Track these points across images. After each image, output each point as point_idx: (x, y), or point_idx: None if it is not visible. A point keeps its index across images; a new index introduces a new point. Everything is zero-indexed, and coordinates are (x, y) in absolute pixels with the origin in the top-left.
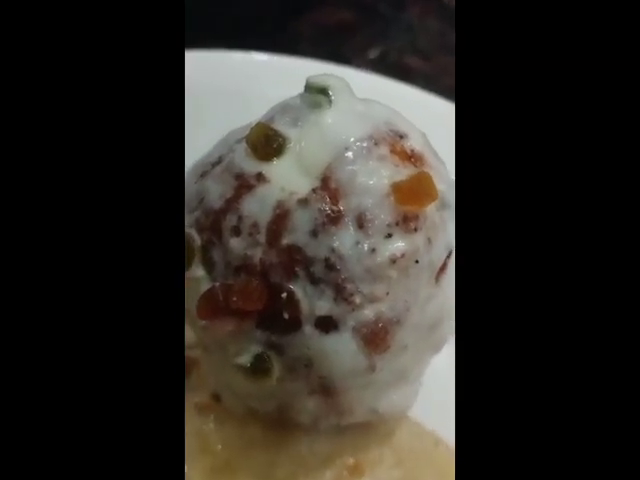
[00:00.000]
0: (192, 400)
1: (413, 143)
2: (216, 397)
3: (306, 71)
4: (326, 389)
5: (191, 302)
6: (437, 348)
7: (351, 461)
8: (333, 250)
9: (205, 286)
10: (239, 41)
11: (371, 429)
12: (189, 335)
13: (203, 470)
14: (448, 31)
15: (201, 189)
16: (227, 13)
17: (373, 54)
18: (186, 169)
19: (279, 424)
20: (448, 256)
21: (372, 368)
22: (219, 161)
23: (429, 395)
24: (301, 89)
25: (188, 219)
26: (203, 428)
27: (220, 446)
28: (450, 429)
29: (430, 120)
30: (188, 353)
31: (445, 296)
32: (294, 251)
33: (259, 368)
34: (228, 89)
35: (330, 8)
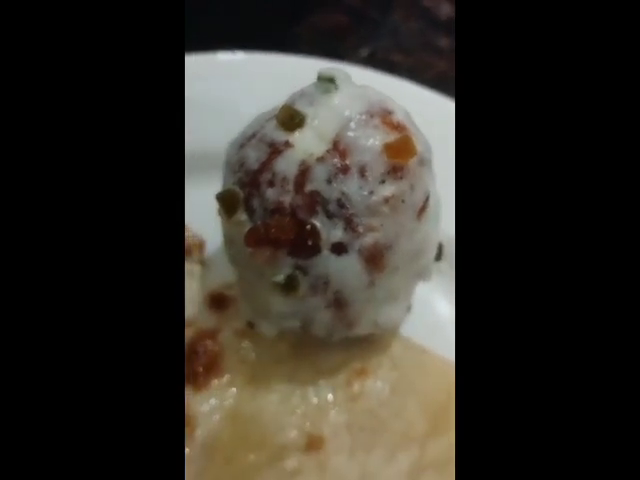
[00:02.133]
0: (232, 327)
1: (398, 117)
2: (251, 324)
3: (307, 67)
4: (338, 302)
5: (235, 244)
6: (420, 275)
7: (358, 366)
8: (343, 193)
9: (247, 227)
10: (245, 45)
11: (372, 342)
12: (228, 276)
13: (244, 379)
14: (427, 31)
15: (241, 156)
16: (234, 19)
17: (364, 52)
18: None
19: (302, 342)
20: (426, 200)
21: (372, 283)
22: (254, 135)
23: (415, 318)
24: (305, 83)
25: (232, 179)
26: (241, 347)
27: (254, 361)
28: (433, 343)
29: (412, 104)
30: (228, 292)
31: (425, 232)
32: (314, 195)
33: (290, 285)
34: (239, 86)
35: (326, 13)
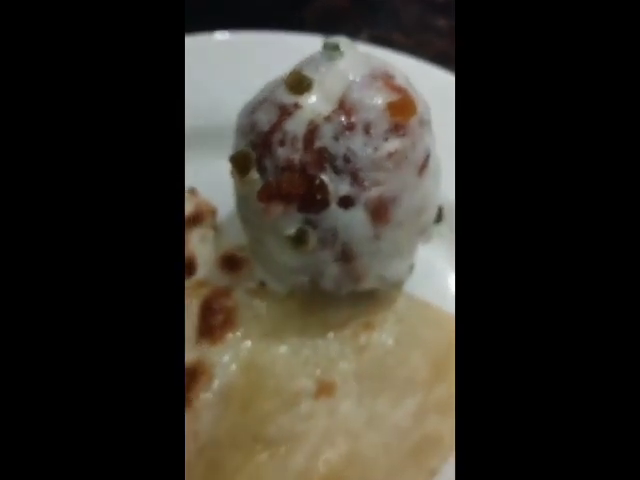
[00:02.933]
0: (244, 286)
1: (399, 81)
2: (262, 283)
3: (312, 45)
4: (346, 255)
5: (248, 203)
6: (422, 233)
7: (364, 320)
8: (349, 149)
9: (259, 186)
10: (255, 26)
11: (377, 298)
12: (240, 239)
13: (257, 333)
14: (425, 13)
15: (252, 120)
16: (241, 4)
17: (366, 34)
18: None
19: (311, 299)
20: (426, 158)
21: (378, 236)
22: (264, 100)
23: (417, 277)
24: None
25: (244, 141)
26: (254, 304)
27: (266, 317)
28: (433, 299)
29: (414, 77)
30: (240, 254)
31: (426, 189)
32: (322, 151)
33: (300, 239)
34: (252, 61)
35: None
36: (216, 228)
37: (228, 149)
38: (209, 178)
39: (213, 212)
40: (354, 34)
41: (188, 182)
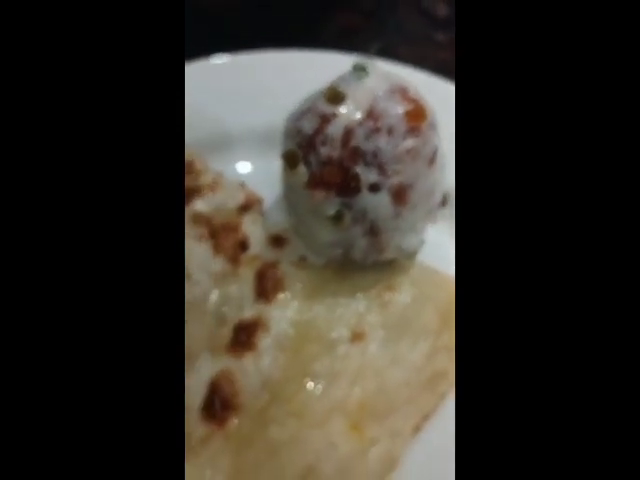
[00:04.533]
0: (288, 260)
1: (412, 93)
2: (303, 258)
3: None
4: (373, 231)
5: (295, 191)
6: (430, 212)
7: (386, 284)
8: (376, 147)
9: (305, 177)
10: (275, 43)
11: (396, 266)
12: (283, 223)
13: (301, 297)
14: (428, 27)
15: (298, 126)
16: (267, 20)
17: (375, 46)
18: None
19: (343, 268)
20: (434, 153)
21: (398, 215)
22: (307, 110)
23: (427, 249)
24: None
25: (292, 143)
26: (297, 273)
27: (307, 283)
28: (440, 266)
29: (420, 88)
30: (284, 234)
31: (434, 177)
32: (356, 149)
33: (338, 218)
34: (283, 79)
35: (343, 14)
36: (262, 214)
37: (271, 153)
38: (257, 176)
39: (259, 201)
40: (365, 46)
41: (239, 178)
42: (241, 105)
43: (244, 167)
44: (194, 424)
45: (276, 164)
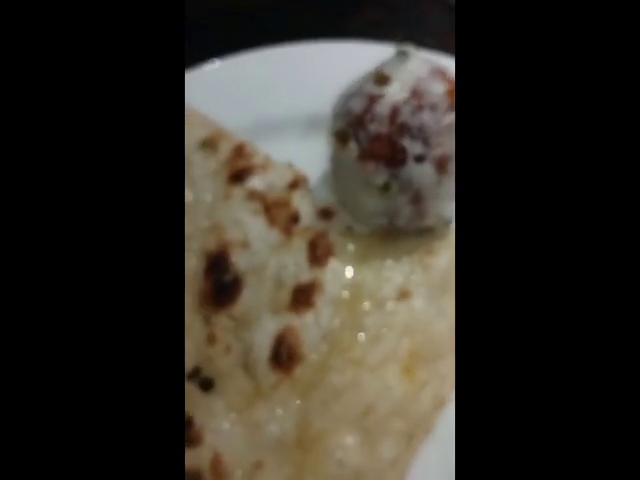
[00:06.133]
0: (337, 230)
1: (449, 74)
2: (350, 228)
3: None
4: (416, 198)
5: (345, 165)
6: None
7: (426, 248)
8: (421, 122)
9: (355, 153)
10: (305, 36)
11: (435, 233)
12: (328, 197)
13: (350, 262)
14: (450, 21)
15: (348, 105)
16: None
17: (400, 39)
18: None
19: (386, 236)
20: None
21: (439, 182)
22: (356, 92)
23: None
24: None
25: (341, 122)
26: (345, 241)
27: (355, 249)
28: None
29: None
30: (331, 207)
31: None
32: (403, 125)
33: (386, 187)
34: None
35: (368, 9)
36: (309, 190)
37: (311, 137)
38: (298, 157)
39: (305, 179)
40: (391, 38)
41: (286, 159)
42: (281, 96)
43: (286, 151)
44: (264, 374)
45: (316, 146)
